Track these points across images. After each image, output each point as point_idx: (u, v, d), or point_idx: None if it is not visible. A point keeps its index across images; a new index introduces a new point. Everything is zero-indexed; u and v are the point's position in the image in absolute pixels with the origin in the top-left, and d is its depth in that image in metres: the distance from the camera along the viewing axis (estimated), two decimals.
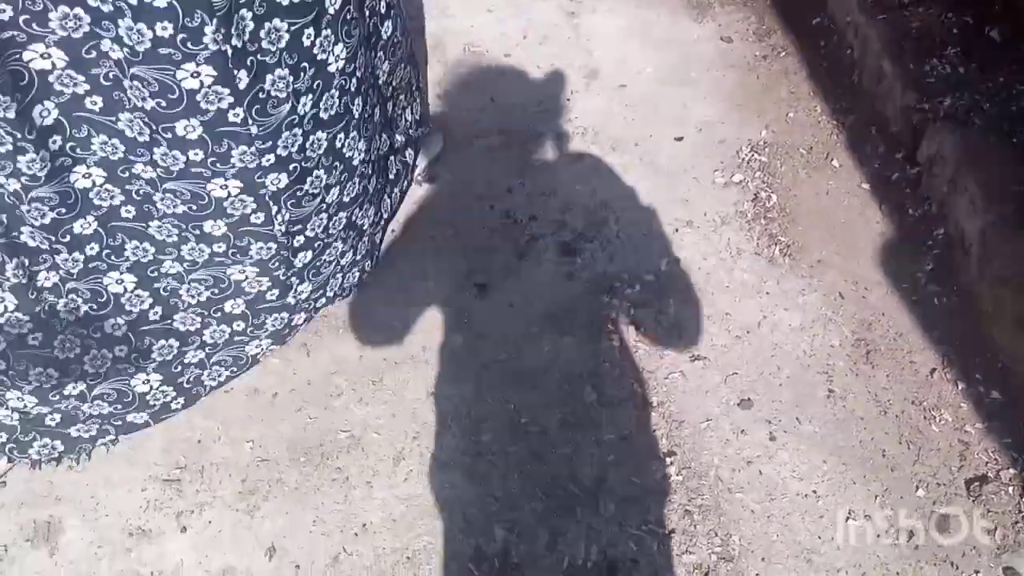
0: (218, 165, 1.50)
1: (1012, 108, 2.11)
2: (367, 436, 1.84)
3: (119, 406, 1.77)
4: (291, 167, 1.58)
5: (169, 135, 1.42)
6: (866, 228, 2.10)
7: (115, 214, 1.55)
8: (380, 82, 1.89)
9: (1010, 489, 1.67)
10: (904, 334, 1.91)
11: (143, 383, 1.78)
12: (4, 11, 1.19)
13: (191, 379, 1.85)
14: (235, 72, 1.36)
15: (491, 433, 1.83)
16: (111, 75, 1.32)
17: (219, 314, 1.79)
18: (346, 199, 1.79)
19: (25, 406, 1.62)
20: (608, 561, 1.63)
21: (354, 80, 1.65)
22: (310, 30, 1.46)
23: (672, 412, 1.83)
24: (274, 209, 1.62)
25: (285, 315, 1.88)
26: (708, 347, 1.93)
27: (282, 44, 1.42)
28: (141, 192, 1.53)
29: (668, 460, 1.76)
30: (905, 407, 1.80)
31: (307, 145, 1.59)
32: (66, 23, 1.24)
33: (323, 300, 1.98)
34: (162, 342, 1.76)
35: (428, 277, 2.11)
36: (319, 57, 1.51)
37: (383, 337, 2.00)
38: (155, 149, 1.44)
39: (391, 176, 2.08)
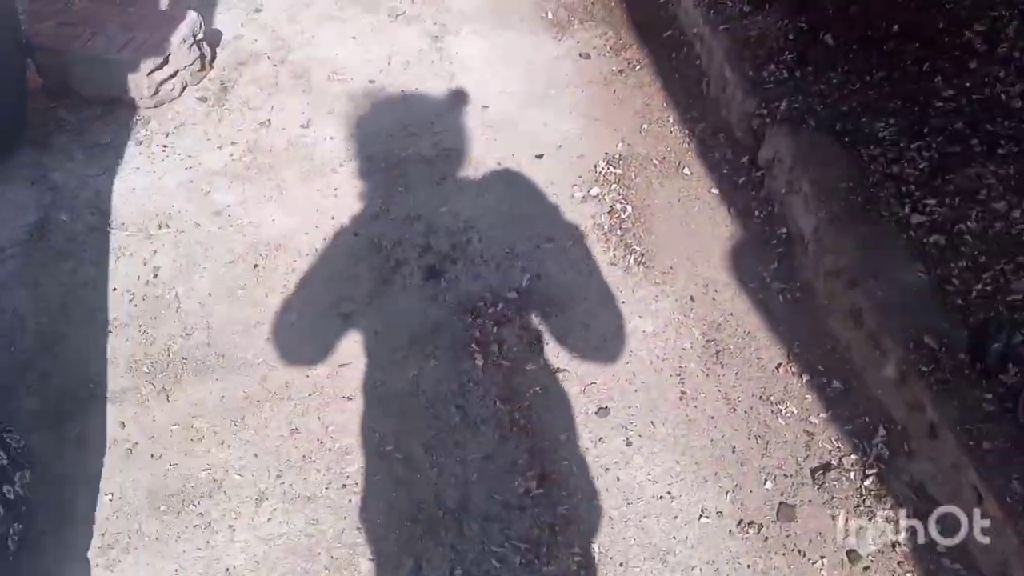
0: None
1: (843, 108, 2.23)
2: (229, 478, 1.81)
3: None
4: None
5: None
6: (715, 232, 2.18)
7: None
8: None
9: (851, 474, 1.76)
10: (752, 332, 1.99)
11: None
12: None
13: None
14: None
15: (356, 464, 1.83)
16: None
17: None
18: None
19: None
20: None
21: None
22: None
23: (533, 426, 1.86)
24: None
25: None
26: (568, 359, 1.97)
27: None
28: None
29: (529, 474, 1.78)
30: (753, 403, 1.87)
31: None
32: None
33: None
34: None
35: (291, 310, 2.09)
36: None
37: (245, 376, 1.97)
38: None
39: None
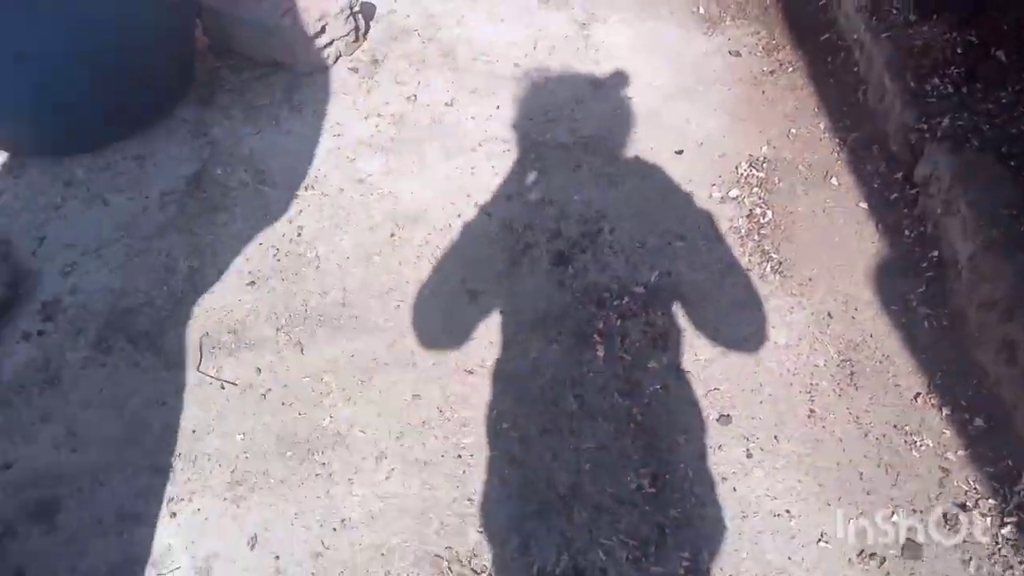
0: None
1: (1012, 130, 2.09)
2: (352, 434, 1.89)
3: None
4: None
5: None
6: (860, 248, 2.09)
7: None
8: None
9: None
10: (891, 356, 1.90)
11: None
12: None
13: None
14: None
15: (472, 437, 1.87)
16: None
17: None
18: None
19: None
20: (577, 569, 1.66)
21: None
22: None
23: (651, 424, 1.85)
24: None
25: None
26: (691, 361, 1.94)
27: None
28: None
29: (643, 471, 1.77)
30: (886, 430, 1.79)
31: None
32: None
33: None
34: None
35: (425, 283, 2.15)
36: None
37: (376, 339, 2.04)
38: None
39: None
